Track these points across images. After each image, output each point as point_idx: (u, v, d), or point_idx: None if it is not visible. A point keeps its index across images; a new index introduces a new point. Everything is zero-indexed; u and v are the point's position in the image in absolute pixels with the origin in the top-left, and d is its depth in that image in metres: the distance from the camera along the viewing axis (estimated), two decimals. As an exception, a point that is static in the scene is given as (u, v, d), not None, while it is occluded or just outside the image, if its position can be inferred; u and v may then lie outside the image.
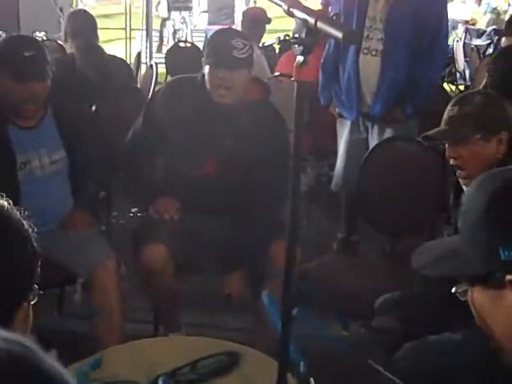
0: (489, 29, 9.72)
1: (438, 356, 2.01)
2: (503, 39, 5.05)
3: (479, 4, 12.73)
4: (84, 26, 4.24)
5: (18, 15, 7.58)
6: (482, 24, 11.45)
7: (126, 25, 9.51)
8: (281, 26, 7.88)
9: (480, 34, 9.69)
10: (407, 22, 3.49)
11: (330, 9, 4.60)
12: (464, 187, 2.25)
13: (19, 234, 1.00)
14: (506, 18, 8.65)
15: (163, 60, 7.60)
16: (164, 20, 11.80)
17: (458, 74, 8.60)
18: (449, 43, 6.63)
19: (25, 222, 1.02)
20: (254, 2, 14.16)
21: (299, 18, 1.53)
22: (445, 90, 5.87)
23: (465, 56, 8.47)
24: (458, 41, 9.12)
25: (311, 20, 1.48)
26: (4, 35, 5.12)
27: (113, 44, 9.34)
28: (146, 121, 2.83)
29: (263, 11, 5.86)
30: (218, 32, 2.98)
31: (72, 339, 2.55)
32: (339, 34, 1.42)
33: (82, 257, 2.59)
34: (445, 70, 8.30)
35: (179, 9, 11.70)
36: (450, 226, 2.54)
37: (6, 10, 7.40)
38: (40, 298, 1.05)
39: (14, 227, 1.00)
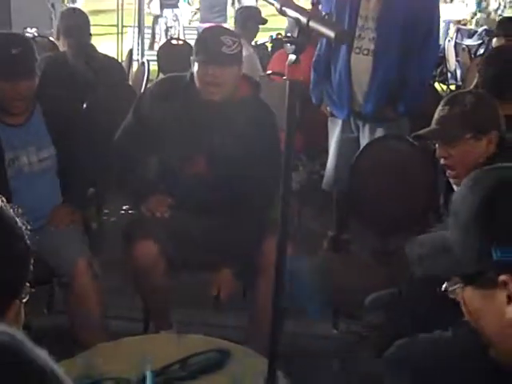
0: (480, 29, 9.75)
1: (429, 354, 2.02)
2: (494, 39, 5.07)
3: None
4: (77, 24, 4.22)
5: (10, 11, 7.54)
6: (473, 24, 11.50)
7: (117, 21, 9.49)
8: (274, 24, 7.88)
9: (471, 34, 9.72)
10: (399, 22, 3.49)
11: (320, 7, 4.60)
12: (454, 186, 2.26)
13: (12, 231, 1.00)
14: (497, 18, 8.70)
15: (155, 57, 7.59)
16: (156, 17, 11.78)
17: (449, 74, 8.62)
18: (440, 43, 6.67)
19: (18, 220, 1.02)
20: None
21: (291, 17, 1.53)
22: (436, 89, 5.88)
23: (456, 56, 8.49)
24: (449, 41, 9.15)
25: (303, 19, 1.48)
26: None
27: (104, 39, 9.30)
28: (135, 119, 2.83)
29: (257, 10, 5.87)
30: (206, 29, 2.98)
31: (61, 336, 2.55)
32: (331, 34, 1.43)
33: (58, 255, 2.58)
34: (436, 70, 8.32)
35: (171, 6, 11.68)
36: (441, 225, 2.55)
37: (-3, 7, 7.38)
38: (30, 295, 1.05)
39: (8, 224, 0.99)
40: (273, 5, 1.62)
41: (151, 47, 10.74)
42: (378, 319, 2.29)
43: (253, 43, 5.74)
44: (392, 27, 3.50)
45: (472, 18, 12.12)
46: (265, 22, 5.70)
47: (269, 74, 4.73)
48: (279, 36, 5.79)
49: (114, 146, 2.88)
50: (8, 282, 0.98)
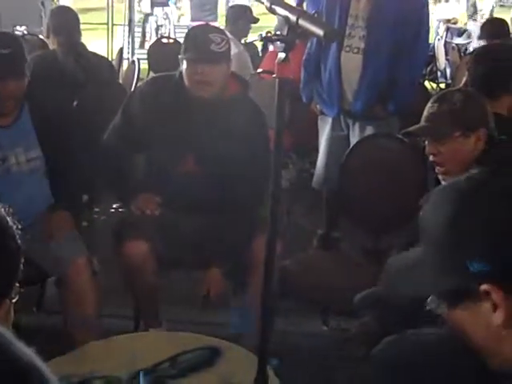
0: (469, 28, 9.79)
1: (418, 350, 2.03)
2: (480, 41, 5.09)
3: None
4: (67, 22, 4.21)
5: (-1, 9, 7.52)
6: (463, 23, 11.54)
7: (108, 20, 9.47)
8: (266, 23, 7.87)
9: (461, 32, 9.76)
10: (389, 21, 3.50)
11: (304, 6, 4.61)
12: (443, 183, 2.27)
13: (3, 231, 0.99)
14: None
15: (145, 56, 7.58)
16: (146, 15, 11.77)
17: (439, 73, 8.66)
18: (430, 42, 6.69)
19: (9, 219, 1.02)
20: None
21: (281, 16, 1.54)
22: (426, 88, 5.90)
23: (446, 54, 8.52)
24: (439, 39, 9.19)
25: (293, 17, 1.49)
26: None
27: (94, 38, 9.27)
28: (124, 118, 2.83)
29: (249, 9, 5.86)
30: (195, 27, 2.98)
31: (51, 335, 2.55)
32: (320, 32, 1.43)
33: (53, 255, 2.57)
34: (426, 69, 8.35)
35: (162, 4, 11.68)
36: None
37: (-14, 5, 7.35)
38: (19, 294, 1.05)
39: None
40: (262, 3, 1.62)
41: (141, 46, 10.73)
42: (368, 317, 2.30)
43: (242, 42, 5.73)
44: (382, 26, 3.51)
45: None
46: (256, 20, 5.70)
47: (259, 73, 4.73)
48: (268, 34, 5.79)
49: (103, 144, 2.87)
50: None
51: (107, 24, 9.44)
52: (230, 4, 11.13)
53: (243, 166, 2.65)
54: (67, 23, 4.20)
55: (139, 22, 11.27)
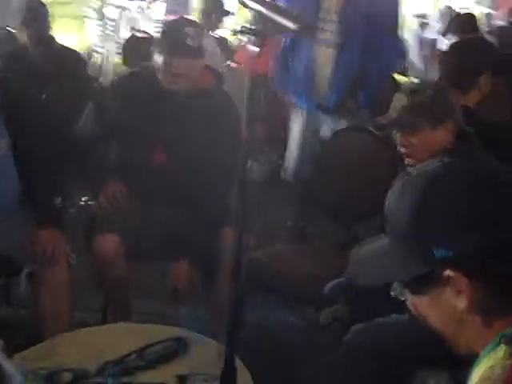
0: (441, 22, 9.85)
1: (387, 337, 2.05)
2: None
3: None
4: (36, 15, 4.17)
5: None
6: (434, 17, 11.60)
7: (79, 13, 9.39)
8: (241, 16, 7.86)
9: (432, 27, 9.81)
10: (361, 15, 3.52)
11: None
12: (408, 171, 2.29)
13: None
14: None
15: (118, 49, 7.52)
16: (120, 9, 11.66)
17: (410, 67, 8.70)
18: (402, 36, 6.72)
19: None
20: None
21: (253, 9, 1.54)
22: (397, 81, 5.93)
23: (418, 49, 8.57)
24: (411, 34, 9.23)
25: (265, 11, 1.49)
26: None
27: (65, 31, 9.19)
28: (96, 108, 2.82)
29: (221, 3, 5.85)
30: (171, 21, 2.98)
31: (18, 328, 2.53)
32: (293, 26, 1.43)
33: (25, 247, 2.54)
34: (398, 63, 8.38)
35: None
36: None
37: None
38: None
39: None
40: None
41: (115, 39, 10.64)
42: (337, 306, 2.31)
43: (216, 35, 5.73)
44: (354, 20, 3.53)
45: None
46: (228, 13, 5.69)
47: (230, 65, 4.74)
48: (242, 28, 5.79)
49: (75, 134, 2.86)
50: None
51: (79, 17, 9.36)
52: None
53: (213, 158, 2.64)
54: (37, 16, 4.16)
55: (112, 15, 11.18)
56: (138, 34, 8.04)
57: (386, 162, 3.04)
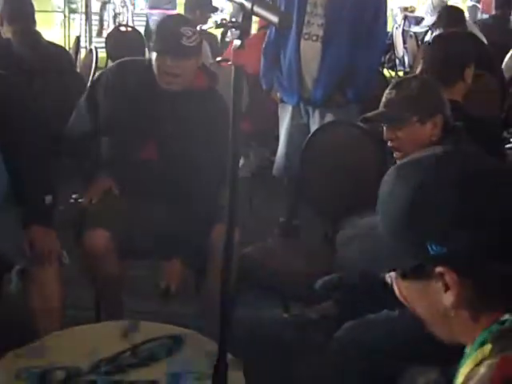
0: (427, 16, 9.88)
1: (377, 334, 2.06)
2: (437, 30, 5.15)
3: None
4: (21, 10, 4.13)
5: None
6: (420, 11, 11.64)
7: (64, 8, 9.34)
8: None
9: (418, 21, 9.85)
10: (347, 8, 3.53)
11: None
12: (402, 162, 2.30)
13: None
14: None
15: (103, 44, 7.50)
16: (104, 3, 11.62)
17: (397, 61, 8.74)
18: (388, 30, 6.75)
19: None
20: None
21: (236, 2, 1.54)
22: (384, 75, 5.95)
23: (404, 43, 8.61)
24: (397, 28, 9.26)
25: (247, 4, 1.49)
26: None
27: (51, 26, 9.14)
28: (88, 102, 2.81)
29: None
30: (167, 18, 2.96)
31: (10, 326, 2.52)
32: (275, 19, 1.43)
33: (18, 244, 2.54)
34: (385, 57, 8.42)
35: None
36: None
37: None
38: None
39: None
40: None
41: (99, 34, 10.60)
42: (328, 303, 2.33)
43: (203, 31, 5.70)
44: (340, 14, 3.53)
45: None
46: (215, 10, 5.66)
47: (219, 61, 4.72)
48: (224, 21, 5.75)
49: (67, 131, 2.85)
50: None
51: (63, 12, 9.31)
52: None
53: (204, 157, 2.65)
54: (22, 11, 4.12)
55: (96, 9, 11.12)
56: (122, 28, 8.02)
57: (373, 157, 3.05)
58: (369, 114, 2.42)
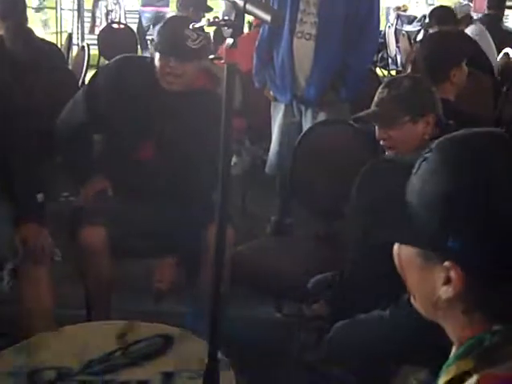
0: (419, 15, 9.91)
1: (369, 334, 2.06)
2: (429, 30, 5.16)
3: None
4: (13, 7, 4.12)
5: None
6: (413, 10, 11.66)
7: (56, 4, 9.30)
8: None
9: (411, 20, 9.87)
10: (340, 7, 3.52)
11: None
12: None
13: None
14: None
15: (96, 42, 7.47)
16: (96, 0, 11.56)
17: (389, 60, 8.75)
18: (381, 29, 6.75)
19: None
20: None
21: (228, 0, 1.53)
22: (377, 74, 5.96)
23: (396, 42, 8.61)
24: (389, 27, 9.27)
25: (240, 2, 1.48)
26: None
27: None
28: (85, 97, 2.80)
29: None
30: (172, 19, 2.94)
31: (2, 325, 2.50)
32: (267, 17, 1.43)
33: (8, 242, 2.52)
34: (377, 56, 8.43)
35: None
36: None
37: None
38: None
39: None
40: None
41: (91, 31, 10.55)
42: (321, 302, 2.32)
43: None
44: (333, 12, 3.53)
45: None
46: (209, 9, 5.64)
47: (212, 59, 4.70)
48: (216, 19, 5.72)
49: (59, 127, 2.83)
50: None
51: (55, 9, 9.28)
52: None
53: (200, 157, 2.65)
54: (14, 8, 4.11)
55: (89, 6, 11.08)
56: (114, 25, 8.00)
57: (366, 155, 3.04)
58: (361, 114, 2.42)
